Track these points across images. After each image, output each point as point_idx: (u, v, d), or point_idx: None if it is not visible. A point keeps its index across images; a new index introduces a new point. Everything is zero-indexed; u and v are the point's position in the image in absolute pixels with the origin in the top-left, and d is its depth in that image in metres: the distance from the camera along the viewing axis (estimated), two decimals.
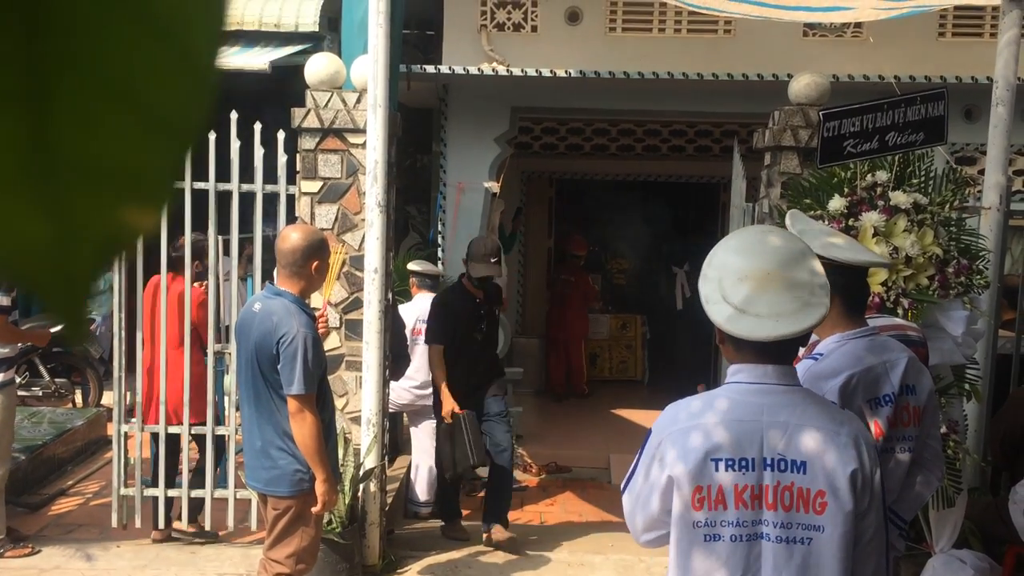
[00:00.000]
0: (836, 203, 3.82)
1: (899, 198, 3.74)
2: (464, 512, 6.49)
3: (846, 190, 3.87)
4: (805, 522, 1.89)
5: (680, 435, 1.94)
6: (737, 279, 1.92)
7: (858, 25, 7.19)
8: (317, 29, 7.34)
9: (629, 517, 2.12)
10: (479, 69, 7.05)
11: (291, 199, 4.95)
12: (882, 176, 3.86)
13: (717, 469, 1.90)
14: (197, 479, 4.98)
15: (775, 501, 1.89)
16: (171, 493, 4.95)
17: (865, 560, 1.94)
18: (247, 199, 4.85)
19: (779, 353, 1.95)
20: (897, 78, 6.32)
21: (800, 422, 1.90)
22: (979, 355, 4.39)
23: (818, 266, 1.98)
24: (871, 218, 3.68)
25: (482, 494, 5.86)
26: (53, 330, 5.37)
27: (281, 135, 4.75)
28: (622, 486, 2.16)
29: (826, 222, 3.74)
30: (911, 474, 2.62)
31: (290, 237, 3.54)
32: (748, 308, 1.89)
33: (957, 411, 3.83)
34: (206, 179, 4.77)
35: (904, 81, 6.37)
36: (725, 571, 1.91)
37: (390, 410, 5.65)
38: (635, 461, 2.08)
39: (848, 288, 2.52)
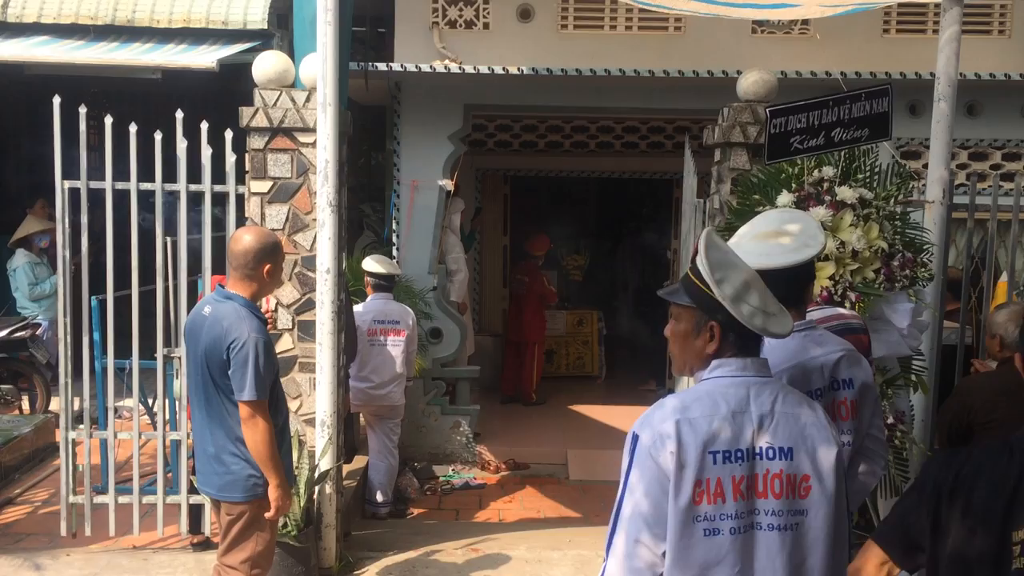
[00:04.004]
0: (784, 198, 3.88)
1: (845, 193, 3.81)
2: (421, 510, 6.49)
3: (794, 186, 3.93)
4: (792, 508, 1.95)
5: (675, 431, 1.94)
6: (747, 279, 2.05)
7: (805, 22, 7.29)
8: (266, 27, 7.25)
9: (639, 554, 1.95)
10: (431, 67, 7.02)
11: (240, 199, 4.89)
12: (828, 172, 3.92)
13: (715, 462, 1.93)
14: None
15: (766, 489, 1.95)
16: (122, 500, 4.86)
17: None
18: (194, 200, 4.77)
19: (757, 347, 2.05)
20: (843, 74, 6.43)
21: (783, 410, 1.98)
22: (925, 346, 4.49)
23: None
24: (818, 213, 3.73)
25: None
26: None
27: (229, 134, 4.68)
28: (607, 544, 2.00)
29: None
30: (853, 465, 2.66)
31: (242, 239, 3.48)
32: (764, 307, 2.02)
33: (904, 402, 3.91)
34: (153, 180, 4.69)
35: (850, 77, 6.48)
36: (724, 564, 1.94)
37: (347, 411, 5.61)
38: (621, 485, 2.00)
39: (783, 284, 2.54)
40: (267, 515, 3.50)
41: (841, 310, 3.25)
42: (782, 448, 1.95)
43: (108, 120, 4.61)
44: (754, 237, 2.61)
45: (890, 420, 3.67)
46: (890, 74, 6.73)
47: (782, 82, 5.35)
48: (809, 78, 6.75)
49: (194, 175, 4.71)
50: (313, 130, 4.67)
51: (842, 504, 2.01)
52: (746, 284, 2.02)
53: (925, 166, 5.35)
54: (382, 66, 7.00)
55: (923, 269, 3.94)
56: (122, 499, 4.88)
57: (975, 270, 5.43)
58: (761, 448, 1.95)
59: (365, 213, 9.28)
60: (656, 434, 1.95)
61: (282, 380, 3.79)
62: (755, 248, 2.57)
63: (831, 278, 3.70)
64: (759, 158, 4.69)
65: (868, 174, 4.02)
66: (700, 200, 5.67)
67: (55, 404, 7.07)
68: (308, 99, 4.88)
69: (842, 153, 3.99)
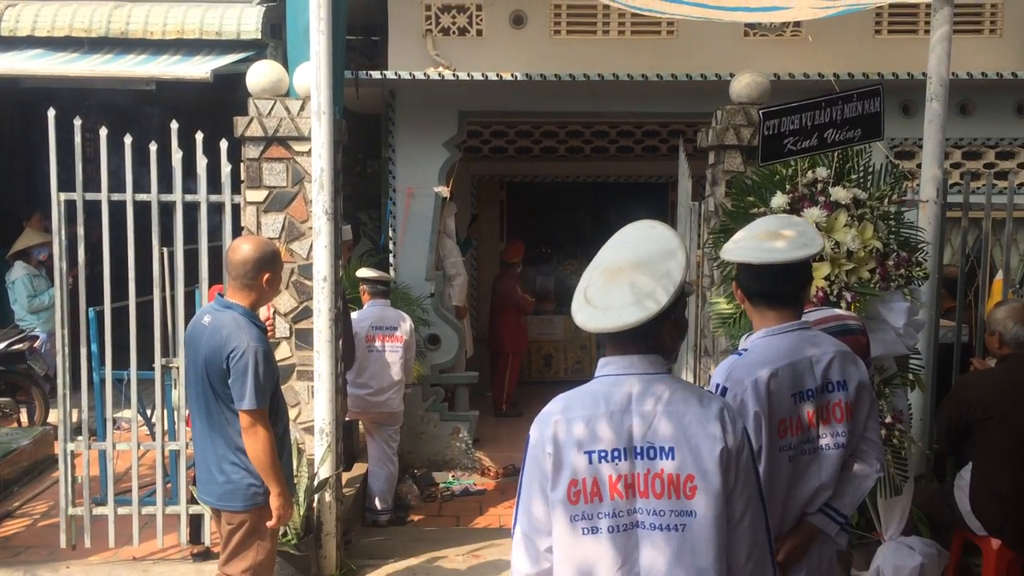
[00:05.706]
0: (778, 200, 3.89)
1: (839, 194, 3.82)
2: (421, 517, 6.49)
3: (788, 187, 3.94)
4: (678, 508, 1.92)
5: (553, 432, 1.97)
6: (598, 272, 2.01)
7: (797, 24, 7.31)
8: (259, 37, 7.27)
9: (525, 548, 2.05)
10: (425, 74, 7.04)
11: (237, 209, 4.89)
12: (822, 172, 3.94)
13: (591, 461, 1.93)
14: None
15: (647, 489, 1.93)
16: (121, 511, 4.86)
17: (738, 541, 1.96)
18: (190, 210, 4.78)
19: (644, 344, 1.98)
20: (836, 75, 6.45)
21: (667, 408, 1.95)
22: (921, 345, 4.50)
23: (678, 268, 1.96)
24: (812, 214, 3.75)
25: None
26: None
27: (224, 144, 4.69)
28: (512, 528, 2.09)
29: None
30: (847, 467, 2.64)
31: (241, 249, 3.49)
32: (592, 300, 1.97)
33: (901, 401, 3.91)
34: (148, 191, 4.69)
35: (843, 78, 6.50)
36: (605, 562, 1.93)
37: (345, 418, 5.61)
38: (519, 481, 2.07)
39: (773, 284, 2.57)
40: (269, 524, 3.50)
41: (839, 311, 3.25)
42: (663, 447, 1.92)
43: (103, 132, 4.62)
44: (754, 237, 2.64)
45: (888, 419, 3.67)
46: (882, 75, 6.76)
47: (775, 84, 5.36)
48: (802, 80, 6.77)
49: (189, 186, 4.71)
50: (308, 139, 4.68)
51: (742, 502, 1.95)
52: (600, 274, 1.99)
53: (919, 166, 5.36)
54: (376, 74, 7.01)
55: (918, 268, 3.95)
56: (121, 510, 4.87)
57: (970, 268, 5.44)
58: (641, 447, 1.93)
59: (362, 221, 9.28)
60: (539, 434, 2.01)
61: (281, 389, 3.79)
62: (755, 245, 2.60)
63: (826, 278, 3.71)
64: (753, 160, 4.70)
65: (862, 174, 4.03)
66: (695, 203, 5.68)
67: (53, 416, 7.06)
68: (303, 108, 4.88)
69: (835, 154, 4.00)
